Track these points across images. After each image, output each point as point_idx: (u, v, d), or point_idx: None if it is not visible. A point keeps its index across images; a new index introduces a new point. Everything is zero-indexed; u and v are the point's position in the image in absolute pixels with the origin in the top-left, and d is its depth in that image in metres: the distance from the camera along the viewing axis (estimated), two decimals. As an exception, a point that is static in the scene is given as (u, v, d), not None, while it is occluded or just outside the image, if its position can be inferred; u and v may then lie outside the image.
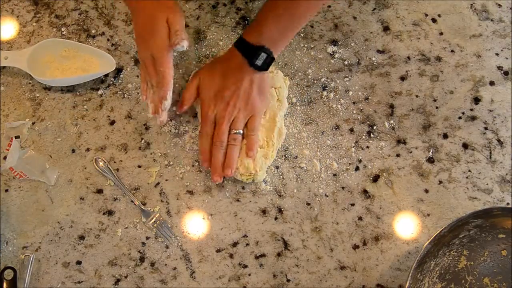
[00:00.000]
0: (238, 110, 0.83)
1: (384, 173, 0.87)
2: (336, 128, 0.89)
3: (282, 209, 0.84)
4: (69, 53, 0.90)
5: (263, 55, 0.80)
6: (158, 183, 0.85)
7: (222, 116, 0.83)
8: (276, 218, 0.84)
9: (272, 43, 0.80)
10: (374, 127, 0.89)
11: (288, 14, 0.79)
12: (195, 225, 0.83)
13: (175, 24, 0.78)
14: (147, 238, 0.83)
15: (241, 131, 0.84)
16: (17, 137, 0.86)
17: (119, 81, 0.91)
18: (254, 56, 0.80)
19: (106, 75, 0.90)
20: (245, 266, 0.82)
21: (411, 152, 0.88)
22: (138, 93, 0.90)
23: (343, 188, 0.86)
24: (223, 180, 0.85)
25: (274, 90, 0.87)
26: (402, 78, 0.92)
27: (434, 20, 0.96)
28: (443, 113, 0.90)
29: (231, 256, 0.82)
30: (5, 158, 0.84)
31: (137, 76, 0.91)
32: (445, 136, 0.89)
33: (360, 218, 0.84)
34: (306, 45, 0.93)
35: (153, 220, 0.83)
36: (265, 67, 0.81)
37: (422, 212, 0.85)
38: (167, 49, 0.78)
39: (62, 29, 0.93)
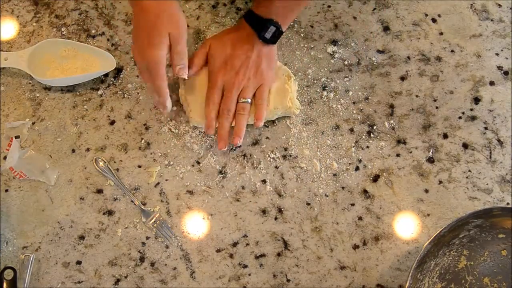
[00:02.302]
0: (248, 79, 0.83)
1: (384, 173, 0.87)
2: (336, 128, 0.89)
3: (282, 209, 0.84)
4: (69, 53, 0.90)
5: (272, 28, 0.81)
6: (158, 183, 0.85)
7: (231, 84, 0.83)
8: (276, 218, 0.84)
9: (280, 16, 0.81)
10: (374, 127, 0.89)
11: None
12: (195, 225, 0.83)
13: (177, 44, 0.77)
14: (147, 238, 0.83)
15: (250, 100, 0.84)
16: (17, 137, 0.86)
17: (119, 81, 0.91)
18: (263, 29, 0.81)
19: (106, 75, 0.90)
20: (245, 266, 0.82)
21: (411, 152, 0.88)
22: (138, 93, 0.90)
23: (343, 188, 0.86)
24: (223, 178, 0.85)
25: (283, 65, 0.89)
26: (402, 78, 0.92)
27: (434, 20, 0.96)
28: (443, 113, 0.90)
29: (231, 256, 0.82)
30: (5, 158, 0.84)
31: (137, 76, 0.91)
32: (445, 136, 0.89)
33: (360, 218, 0.84)
34: (306, 45, 0.93)
35: (153, 220, 0.83)
36: (273, 40, 0.82)
37: (422, 212, 0.85)
38: (163, 64, 0.77)
39: (62, 29, 0.93)
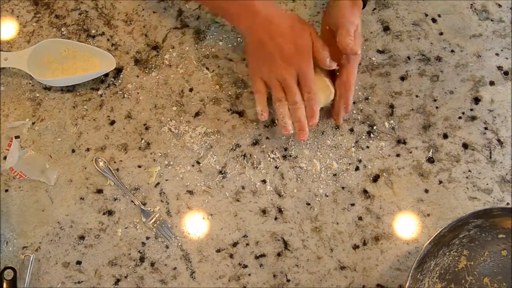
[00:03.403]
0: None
1: (384, 173, 0.87)
2: (336, 128, 0.89)
3: (282, 209, 0.84)
4: (69, 53, 0.90)
5: None
6: (158, 183, 0.85)
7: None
8: (276, 218, 0.84)
9: None
10: (374, 127, 0.89)
11: None
12: (195, 225, 0.83)
13: (318, 40, 0.81)
14: (147, 238, 0.83)
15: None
16: (17, 137, 0.86)
17: (119, 81, 0.91)
18: None
19: (106, 75, 0.90)
20: (245, 266, 0.82)
21: (411, 152, 0.88)
22: (138, 93, 0.90)
23: (343, 188, 0.86)
24: (223, 178, 0.85)
25: None
26: (402, 78, 0.92)
27: (434, 20, 0.96)
28: (443, 113, 0.90)
29: (231, 256, 0.82)
30: (5, 158, 0.84)
31: (137, 76, 0.91)
32: (445, 136, 0.89)
33: (360, 218, 0.84)
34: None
35: (153, 220, 0.83)
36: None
37: (422, 212, 0.85)
38: (312, 65, 0.80)
39: (62, 29, 0.93)
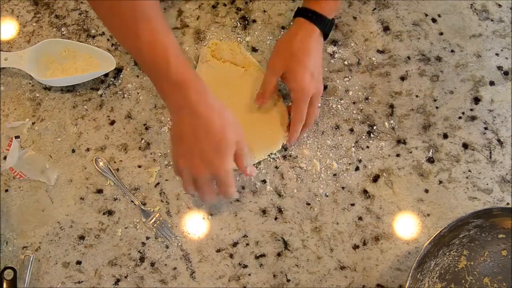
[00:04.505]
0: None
1: (384, 173, 0.87)
2: (336, 128, 0.89)
3: (282, 209, 0.84)
4: (69, 53, 0.90)
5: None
6: (158, 183, 0.85)
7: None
8: (276, 218, 0.84)
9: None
10: (374, 127, 0.89)
11: None
12: (195, 225, 0.83)
13: (242, 148, 0.75)
14: (147, 238, 0.83)
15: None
16: (17, 137, 0.86)
17: (119, 81, 0.91)
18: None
19: (106, 75, 0.90)
20: (245, 266, 0.82)
21: (411, 152, 0.88)
22: (138, 93, 0.90)
23: (343, 188, 0.86)
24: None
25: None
26: (402, 78, 0.92)
27: (434, 20, 0.96)
28: (443, 113, 0.90)
29: (231, 256, 0.82)
30: (5, 158, 0.84)
31: (137, 76, 0.91)
32: (445, 136, 0.89)
33: (360, 218, 0.84)
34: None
35: (153, 220, 0.83)
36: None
37: (422, 212, 0.85)
38: (232, 171, 0.75)
39: (62, 29, 0.93)
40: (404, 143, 0.88)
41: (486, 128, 0.90)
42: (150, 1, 0.70)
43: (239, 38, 0.93)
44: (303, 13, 0.84)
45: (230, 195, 0.77)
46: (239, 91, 0.88)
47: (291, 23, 0.88)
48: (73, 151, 0.87)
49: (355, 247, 0.83)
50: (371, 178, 0.86)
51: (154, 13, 0.71)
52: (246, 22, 0.94)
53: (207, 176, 0.74)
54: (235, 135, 0.74)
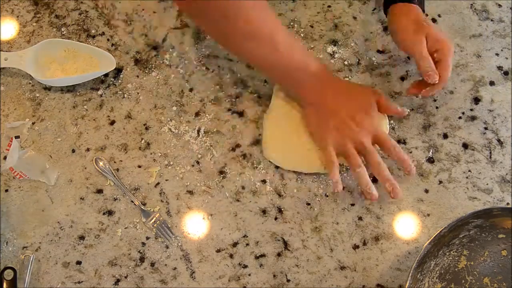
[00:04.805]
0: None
1: (384, 173, 0.86)
2: (336, 128, 0.89)
3: (282, 209, 0.84)
4: (69, 53, 0.90)
5: None
6: (158, 183, 0.85)
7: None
8: (276, 218, 0.84)
9: None
10: (374, 127, 0.89)
11: None
12: (195, 225, 0.83)
13: (381, 95, 0.86)
14: (147, 238, 0.83)
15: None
16: (17, 137, 0.86)
17: (119, 81, 0.91)
18: None
19: (106, 75, 0.90)
20: (245, 266, 0.82)
21: (411, 152, 0.88)
22: (138, 93, 0.90)
23: (343, 188, 0.85)
24: (223, 178, 0.85)
25: None
26: (402, 78, 0.92)
27: (434, 20, 0.96)
28: (443, 113, 0.90)
29: (231, 256, 0.82)
30: (5, 158, 0.84)
31: (137, 76, 0.91)
32: (445, 136, 0.89)
33: (360, 218, 0.84)
34: (306, 45, 0.93)
35: (153, 220, 0.83)
36: None
37: (422, 212, 0.85)
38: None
39: (62, 29, 0.93)
40: (404, 143, 0.88)
41: (486, 128, 0.90)
42: (270, 13, 0.79)
43: (239, 38, 0.93)
44: (395, 0, 0.86)
45: (399, 153, 0.82)
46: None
47: (387, 16, 0.88)
48: (73, 151, 0.87)
49: (355, 247, 0.83)
50: (371, 178, 0.86)
51: (276, 21, 0.81)
52: (246, 22, 0.94)
53: (368, 135, 0.82)
54: (368, 92, 0.86)
